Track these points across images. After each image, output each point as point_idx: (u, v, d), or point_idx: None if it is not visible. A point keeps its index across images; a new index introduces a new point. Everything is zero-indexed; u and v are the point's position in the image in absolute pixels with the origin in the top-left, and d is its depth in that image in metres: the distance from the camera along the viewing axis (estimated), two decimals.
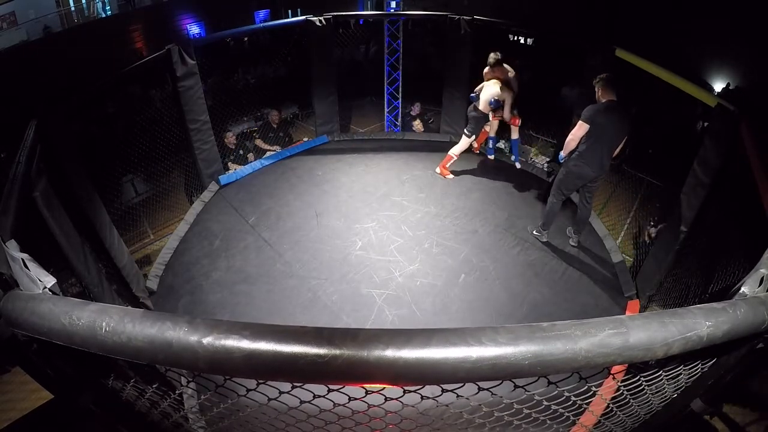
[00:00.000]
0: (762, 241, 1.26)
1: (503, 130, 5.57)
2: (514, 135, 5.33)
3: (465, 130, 5.05)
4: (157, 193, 4.93)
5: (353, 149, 5.78)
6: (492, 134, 5.51)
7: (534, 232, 4.28)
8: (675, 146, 4.60)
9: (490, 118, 5.07)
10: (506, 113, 4.80)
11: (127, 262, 3.45)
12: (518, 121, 5.02)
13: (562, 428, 1.23)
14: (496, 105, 4.72)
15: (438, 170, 5.24)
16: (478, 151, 5.69)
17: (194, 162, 4.75)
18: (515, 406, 1.02)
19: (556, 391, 0.97)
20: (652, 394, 1.14)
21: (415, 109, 6.46)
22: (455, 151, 5.11)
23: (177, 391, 1.22)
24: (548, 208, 4.07)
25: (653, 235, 4.16)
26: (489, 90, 4.71)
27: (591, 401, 1.07)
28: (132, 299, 3.45)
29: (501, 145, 5.75)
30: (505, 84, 4.71)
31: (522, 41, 9.17)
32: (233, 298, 3.64)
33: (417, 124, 6.29)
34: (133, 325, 0.73)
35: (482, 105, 4.77)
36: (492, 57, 4.76)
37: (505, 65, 4.85)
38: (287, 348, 0.69)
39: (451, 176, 5.20)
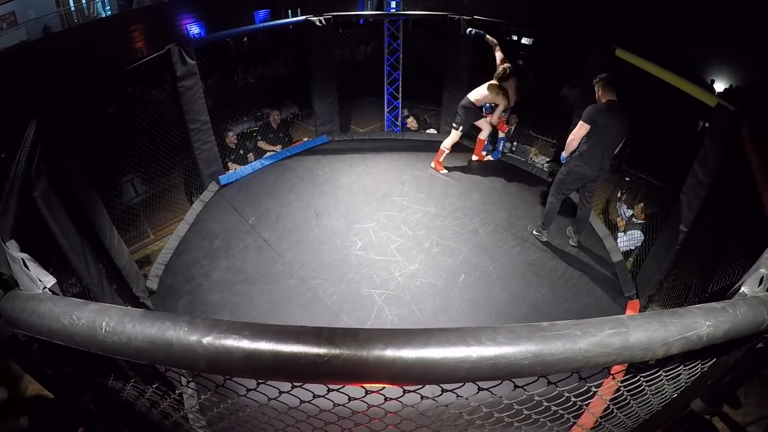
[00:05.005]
0: (762, 241, 1.26)
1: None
2: (500, 134, 5.49)
3: (453, 123, 5.12)
4: (157, 193, 4.92)
5: (353, 149, 5.77)
6: (484, 138, 5.47)
7: (534, 232, 4.28)
8: (675, 146, 4.60)
9: (484, 116, 5.12)
10: (495, 117, 5.02)
11: (127, 262, 3.45)
12: (507, 128, 5.26)
13: (562, 430, 1.23)
14: (488, 109, 4.92)
15: (432, 164, 5.30)
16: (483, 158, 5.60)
17: (194, 162, 4.75)
18: (515, 406, 1.02)
19: (556, 392, 0.97)
20: (651, 394, 1.14)
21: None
22: (446, 144, 5.18)
23: (177, 391, 1.22)
24: (548, 207, 4.06)
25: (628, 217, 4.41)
26: (485, 91, 4.79)
27: (591, 402, 1.07)
28: (132, 299, 3.45)
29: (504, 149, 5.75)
30: (504, 93, 4.80)
31: (522, 41, 9.19)
32: (233, 298, 3.63)
33: (410, 121, 6.36)
34: (133, 325, 0.74)
35: (473, 97, 4.86)
36: (505, 69, 4.67)
37: (511, 80, 4.82)
38: (287, 348, 0.69)
39: (445, 171, 5.25)
